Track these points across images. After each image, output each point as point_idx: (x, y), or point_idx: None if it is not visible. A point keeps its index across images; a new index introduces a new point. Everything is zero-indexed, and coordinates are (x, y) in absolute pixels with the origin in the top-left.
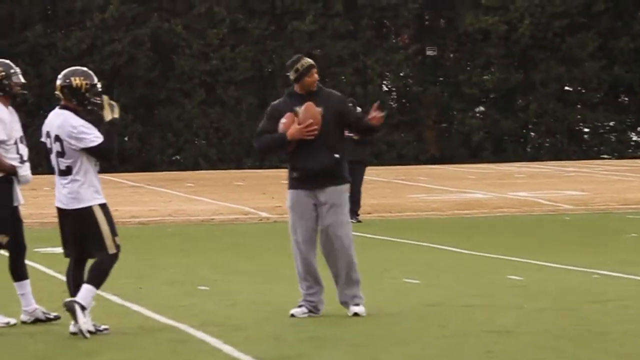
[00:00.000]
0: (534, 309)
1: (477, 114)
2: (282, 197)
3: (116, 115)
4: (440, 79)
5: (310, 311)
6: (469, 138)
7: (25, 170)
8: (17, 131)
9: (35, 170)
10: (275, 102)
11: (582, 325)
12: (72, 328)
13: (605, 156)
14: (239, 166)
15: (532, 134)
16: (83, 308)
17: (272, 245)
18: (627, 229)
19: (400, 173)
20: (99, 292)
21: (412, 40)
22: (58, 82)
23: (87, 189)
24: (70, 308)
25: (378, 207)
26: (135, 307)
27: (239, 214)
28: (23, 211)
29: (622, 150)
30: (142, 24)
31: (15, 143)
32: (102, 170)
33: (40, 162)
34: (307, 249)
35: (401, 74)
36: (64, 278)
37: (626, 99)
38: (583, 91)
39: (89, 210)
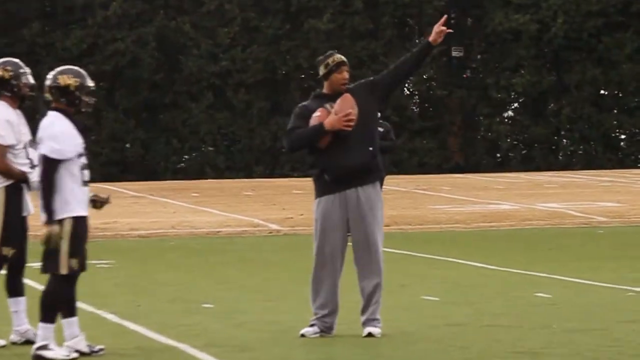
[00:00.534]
0: (563, 330)
1: (506, 120)
2: (294, 208)
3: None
4: (466, 82)
5: (322, 331)
6: (497, 145)
7: (35, 176)
8: (26, 134)
9: None
10: (304, 103)
11: (615, 346)
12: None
13: None
14: (249, 175)
15: (565, 141)
16: (44, 347)
17: (282, 259)
18: None
19: (421, 182)
20: (93, 310)
21: None
22: (47, 82)
23: (58, 199)
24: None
25: (397, 219)
26: (133, 327)
27: (247, 226)
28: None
29: None
30: (147, 22)
31: (25, 147)
32: (101, 178)
33: None
34: (335, 264)
35: (424, 77)
36: None
37: None
38: (620, 95)
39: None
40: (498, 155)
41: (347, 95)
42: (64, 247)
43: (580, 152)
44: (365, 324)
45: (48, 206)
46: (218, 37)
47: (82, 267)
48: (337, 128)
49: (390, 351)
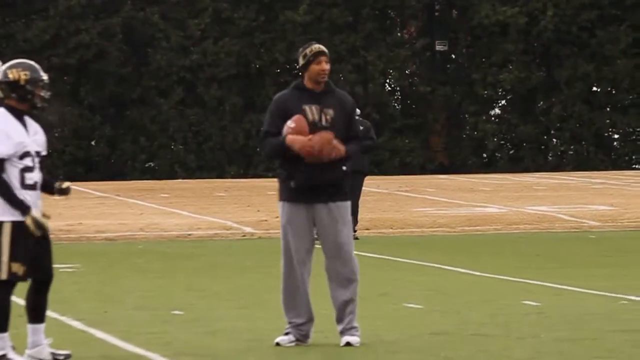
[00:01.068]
0: (552, 339)
1: (492, 118)
2: (269, 210)
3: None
4: (451, 77)
5: (297, 340)
6: (483, 145)
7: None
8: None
9: None
10: (280, 94)
11: (607, 357)
12: None
13: (637, 166)
14: (221, 175)
15: (555, 140)
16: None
17: (257, 264)
18: None
19: (403, 183)
20: (57, 316)
21: (420, 33)
22: None
23: (2, 201)
24: None
25: (378, 222)
26: (100, 334)
27: (219, 228)
28: None
29: None
30: (114, 12)
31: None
32: (65, 178)
33: None
34: (303, 273)
35: (407, 72)
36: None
37: None
38: (613, 92)
39: None
40: (484, 155)
41: (329, 136)
42: (5, 252)
43: (571, 152)
44: (342, 332)
45: (14, 202)
46: (188, 28)
47: (27, 275)
48: (295, 149)
49: None
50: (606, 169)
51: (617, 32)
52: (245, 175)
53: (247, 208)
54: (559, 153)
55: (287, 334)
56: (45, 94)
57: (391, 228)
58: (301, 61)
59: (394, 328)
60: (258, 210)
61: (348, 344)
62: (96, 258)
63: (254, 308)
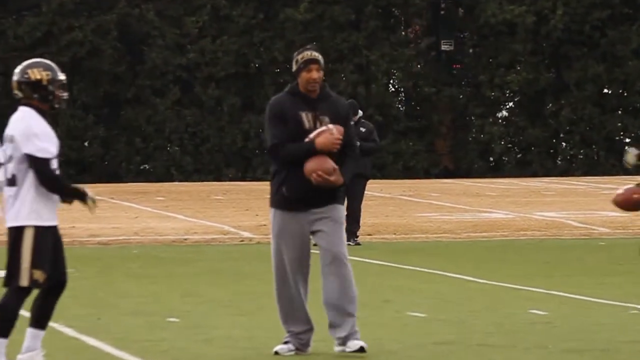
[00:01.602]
0: (560, 350)
1: (500, 121)
2: (268, 214)
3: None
4: (457, 78)
5: (297, 349)
6: (489, 148)
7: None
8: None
9: None
10: (275, 99)
11: None
12: None
13: None
14: (218, 178)
15: (564, 144)
16: None
17: (255, 270)
18: None
19: (407, 188)
20: (49, 323)
21: (425, 32)
22: (14, 78)
23: (26, 205)
24: None
25: (380, 228)
26: (93, 342)
27: (216, 233)
28: None
29: None
30: (108, 9)
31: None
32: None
33: None
34: (298, 282)
35: (411, 72)
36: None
37: None
38: (625, 94)
39: (18, 231)
40: (491, 159)
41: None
42: (27, 258)
43: (581, 156)
44: (348, 338)
45: (71, 191)
46: (185, 26)
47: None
48: (327, 149)
49: None
50: (617, 174)
51: (628, 32)
52: (243, 178)
53: (246, 212)
54: (569, 157)
55: (286, 342)
56: (63, 94)
57: (394, 234)
58: (294, 66)
59: (396, 337)
60: (257, 215)
61: (362, 349)
62: (89, 263)
63: (252, 315)
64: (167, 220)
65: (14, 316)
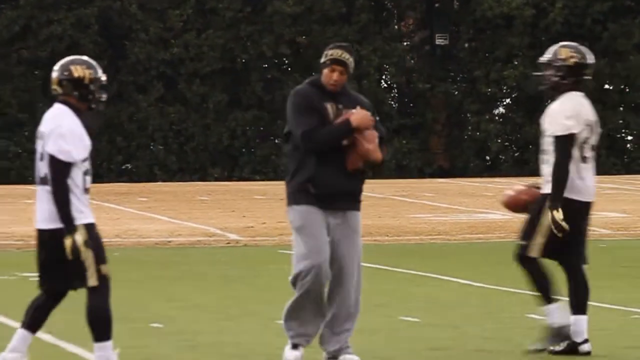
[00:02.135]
0: (559, 356)
1: (496, 117)
2: (255, 215)
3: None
4: (452, 74)
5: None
6: (486, 146)
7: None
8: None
9: None
10: (299, 89)
11: None
12: None
13: None
14: (204, 177)
15: None
16: None
17: (242, 274)
18: None
19: (400, 188)
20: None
21: (419, 26)
22: (54, 75)
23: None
24: None
25: (372, 229)
26: (72, 348)
27: (202, 235)
28: None
29: None
30: (88, 2)
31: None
32: (32, 180)
33: None
34: (325, 278)
35: (404, 68)
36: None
37: None
38: (627, 90)
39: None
40: (487, 157)
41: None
42: (89, 255)
43: None
44: (339, 351)
45: (65, 215)
46: (169, 20)
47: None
48: (363, 126)
49: None
50: (618, 173)
51: (631, 26)
52: (229, 178)
53: (232, 213)
54: None
55: (296, 346)
56: (102, 96)
57: (387, 235)
58: (322, 58)
59: (389, 342)
60: (244, 216)
61: None
62: None
63: (238, 321)
64: (150, 221)
65: (107, 316)
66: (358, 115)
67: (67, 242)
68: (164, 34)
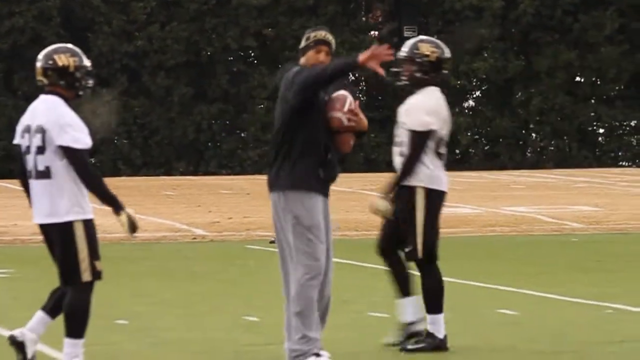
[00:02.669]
0: (530, 351)
1: (466, 110)
2: (222, 210)
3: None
4: None
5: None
6: (455, 140)
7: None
8: None
9: None
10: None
11: None
12: None
13: (623, 163)
14: (169, 172)
15: (534, 135)
16: None
17: (208, 269)
18: None
19: (368, 182)
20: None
21: (387, 17)
22: (38, 65)
23: (66, 199)
24: None
25: (341, 224)
26: (37, 345)
27: (167, 231)
28: None
29: None
30: None
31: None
32: None
33: None
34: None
35: None
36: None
37: None
38: (598, 82)
39: (66, 227)
40: (457, 151)
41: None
42: (84, 250)
43: (552, 148)
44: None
45: (108, 196)
46: (132, 12)
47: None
48: (376, 63)
49: None
50: (590, 166)
51: (602, 17)
52: (195, 173)
53: (197, 208)
54: (539, 149)
55: (319, 355)
56: (89, 82)
57: (355, 230)
58: (303, 43)
59: (357, 339)
60: (209, 211)
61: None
62: (32, 263)
63: (205, 317)
64: (113, 217)
65: (87, 314)
66: (368, 52)
67: (122, 218)
68: (127, 27)
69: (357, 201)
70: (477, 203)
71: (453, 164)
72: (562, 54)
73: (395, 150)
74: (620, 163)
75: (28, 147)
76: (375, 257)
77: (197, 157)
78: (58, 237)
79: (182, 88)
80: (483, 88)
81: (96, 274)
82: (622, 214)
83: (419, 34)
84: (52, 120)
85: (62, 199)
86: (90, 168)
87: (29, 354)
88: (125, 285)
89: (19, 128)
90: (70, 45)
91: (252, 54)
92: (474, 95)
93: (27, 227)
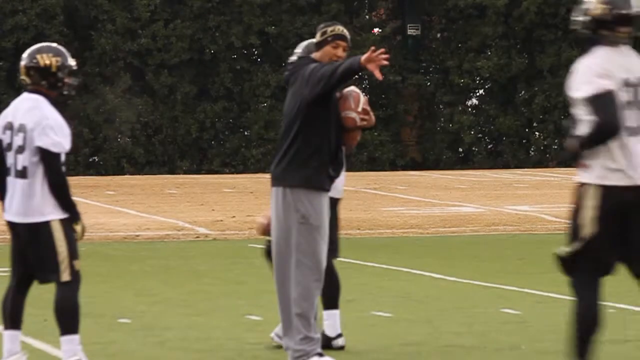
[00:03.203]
0: (534, 351)
1: (469, 109)
2: (225, 209)
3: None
4: (424, 65)
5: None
6: (459, 138)
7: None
8: None
9: None
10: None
11: None
12: None
13: None
14: (172, 170)
15: (537, 134)
16: None
17: (211, 268)
18: None
19: (372, 180)
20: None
21: (390, 16)
22: (22, 63)
23: (47, 199)
24: None
25: (344, 223)
26: (38, 344)
27: (170, 229)
28: None
29: None
30: None
31: None
32: None
33: None
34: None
35: None
36: None
37: None
38: None
39: (44, 226)
40: (460, 150)
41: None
42: (62, 251)
43: (555, 147)
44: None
45: (71, 204)
46: (136, 10)
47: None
48: (375, 65)
49: None
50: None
51: None
52: (198, 171)
53: (201, 207)
54: (542, 148)
55: (321, 354)
56: (73, 81)
57: (358, 229)
58: (319, 37)
59: (360, 338)
60: (213, 210)
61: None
62: None
63: (207, 316)
64: (117, 215)
65: (77, 309)
66: (367, 54)
67: (78, 228)
68: (131, 25)
69: (360, 200)
70: (481, 202)
71: (456, 162)
72: (565, 52)
73: None
74: None
75: (9, 145)
76: (378, 257)
77: (201, 156)
78: (35, 237)
79: (186, 86)
80: (486, 86)
81: (74, 274)
82: None
83: (422, 32)
84: (35, 121)
85: (39, 199)
86: (61, 173)
87: None
88: (128, 283)
89: (0, 123)
90: (54, 45)
91: (256, 52)
92: (478, 94)
93: None
